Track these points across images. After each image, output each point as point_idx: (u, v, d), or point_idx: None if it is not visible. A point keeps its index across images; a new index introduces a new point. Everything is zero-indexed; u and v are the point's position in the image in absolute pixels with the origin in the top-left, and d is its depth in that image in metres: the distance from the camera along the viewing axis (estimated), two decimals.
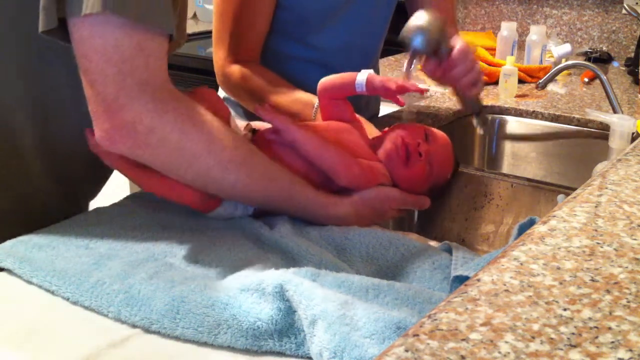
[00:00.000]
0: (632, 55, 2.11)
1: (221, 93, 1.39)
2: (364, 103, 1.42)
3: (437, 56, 1.05)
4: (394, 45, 1.61)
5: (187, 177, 0.80)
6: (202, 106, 0.81)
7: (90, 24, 0.73)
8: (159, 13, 0.76)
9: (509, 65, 1.77)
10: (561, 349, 0.44)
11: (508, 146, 1.70)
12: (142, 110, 0.75)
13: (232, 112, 1.36)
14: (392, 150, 0.93)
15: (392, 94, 0.95)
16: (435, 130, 0.98)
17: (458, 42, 1.06)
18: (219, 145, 0.79)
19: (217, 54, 1.23)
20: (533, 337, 0.45)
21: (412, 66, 1.06)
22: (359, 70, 1.27)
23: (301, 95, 1.14)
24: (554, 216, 0.65)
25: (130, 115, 0.74)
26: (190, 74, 2.11)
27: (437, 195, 0.99)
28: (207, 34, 2.56)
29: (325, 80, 1.00)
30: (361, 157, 0.92)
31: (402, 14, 1.36)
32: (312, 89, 1.10)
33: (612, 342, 0.45)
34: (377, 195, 0.91)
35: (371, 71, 0.96)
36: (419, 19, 1.02)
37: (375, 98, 1.48)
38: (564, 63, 1.65)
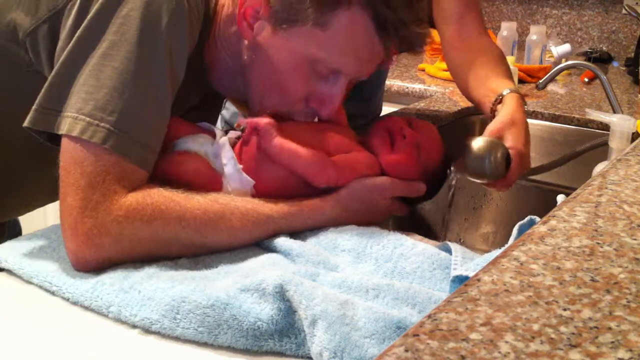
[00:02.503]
0: (632, 55, 2.11)
1: None
2: (372, 104, 1.42)
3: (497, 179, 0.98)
4: None
5: (173, 254, 0.79)
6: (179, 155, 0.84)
7: (78, 141, 0.75)
8: (147, 158, 0.78)
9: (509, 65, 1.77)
10: (561, 349, 0.44)
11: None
12: (107, 220, 0.74)
13: (233, 110, 1.36)
14: (376, 138, 0.93)
15: None
16: (418, 119, 0.98)
17: (516, 157, 0.96)
18: (189, 216, 0.78)
19: None
20: (533, 337, 0.45)
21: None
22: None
23: None
24: (554, 216, 0.65)
25: (95, 229, 0.74)
26: None
27: (437, 186, 0.98)
28: None
29: None
30: (345, 150, 0.92)
31: None
32: None
33: (612, 342, 0.45)
34: (365, 186, 0.89)
35: None
36: (485, 154, 0.94)
37: (380, 99, 1.48)
38: (564, 63, 1.65)
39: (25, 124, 0.77)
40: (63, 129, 0.76)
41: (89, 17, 0.78)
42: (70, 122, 0.75)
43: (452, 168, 1.00)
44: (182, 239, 0.78)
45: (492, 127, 0.99)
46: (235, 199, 0.83)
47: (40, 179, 0.85)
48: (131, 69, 0.76)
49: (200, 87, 0.95)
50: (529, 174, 1.33)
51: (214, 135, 0.91)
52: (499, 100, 1.06)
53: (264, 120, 0.87)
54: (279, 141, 0.86)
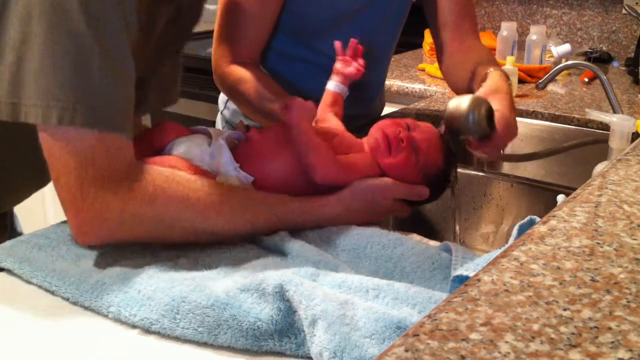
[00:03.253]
0: (632, 55, 2.11)
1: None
2: (373, 105, 1.43)
3: (482, 137, 0.99)
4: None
5: (174, 238, 0.79)
6: (166, 159, 0.83)
7: (56, 127, 0.73)
8: (124, 123, 0.76)
9: (509, 65, 1.77)
10: (561, 349, 0.44)
11: (508, 146, 1.70)
12: (108, 196, 0.74)
13: (234, 108, 1.36)
14: (374, 142, 0.93)
15: None
16: (418, 122, 0.99)
17: (501, 120, 0.98)
18: (193, 197, 0.78)
19: (216, 52, 1.23)
20: (533, 337, 0.45)
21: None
22: (366, 78, 1.27)
23: None
24: (554, 216, 0.65)
25: (97, 205, 0.74)
26: (191, 74, 2.11)
27: (439, 188, 0.98)
28: (207, 35, 2.55)
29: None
30: (345, 152, 0.92)
31: (416, 16, 1.36)
32: (314, 91, 1.10)
33: (612, 342, 0.45)
34: (368, 186, 0.90)
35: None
36: (467, 106, 0.95)
37: (382, 100, 1.49)
38: (564, 63, 1.65)
39: None
40: (37, 119, 0.73)
41: None
42: (42, 111, 0.72)
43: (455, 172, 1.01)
44: (183, 220, 0.78)
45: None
46: (236, 188, 0.83)
47: (31, 162, 0.83)
48: (82, 39, 0.72)
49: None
50: (519, 160, 1.34)
51: (210, 136, 0.91)
52: (484, 78, 1.09)
53: (300, 100, 0.89)
54: (303, 124, 0.88)
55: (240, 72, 1.19)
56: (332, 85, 1.10)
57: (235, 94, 1.22)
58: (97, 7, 0.73)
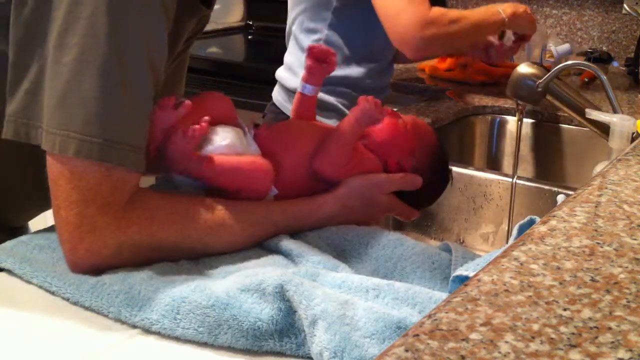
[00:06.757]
0: (632, 55, 2.11)
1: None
2: (387, 77, 1.52)
3: None
4: None
5: (174, 259, 0.79)
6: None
7: (71, 158, 0.72)
8: (137, 158, 0.75)
9: None
10: (561, 349, 0.44)
11: (508, 146, 1.70)
12: (105, 234, 0.73)
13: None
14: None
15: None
16: (417, 119, 1.00)
17: None
18: (191, 226, 0.78)
19: (414, 6, 1.32)
20: (533, 337, 0.45)
21: None
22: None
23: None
24: (554, 216, 0.65)
25: (94, 244, 0.73)
26: (191, 74, 2.11)
27: (436, 190, 0.98)
28: (207, 35, 2.56)
29: None
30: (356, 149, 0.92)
31: None
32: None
33: (612, 342, 0.45)
34: (364, 183, 0.90)
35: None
36: None
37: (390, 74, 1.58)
38: (564, 63, 1.65)
39: (5, 135, 0.75)
40: (54, 148, 0.72)
41: (57, 22, 0.72)
42: (61, 140, 0.72)
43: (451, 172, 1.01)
44: (183, 248, 0.78)
45: None
46: (234, 203, 0.82)
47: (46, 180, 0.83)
48: (110, 72, 0.72)
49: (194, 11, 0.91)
50: (519, 160, 1.41)
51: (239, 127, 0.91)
52: None
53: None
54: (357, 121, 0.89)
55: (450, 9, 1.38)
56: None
57: (455, 25, 1.35)
58: (126, 42, 0.73)
